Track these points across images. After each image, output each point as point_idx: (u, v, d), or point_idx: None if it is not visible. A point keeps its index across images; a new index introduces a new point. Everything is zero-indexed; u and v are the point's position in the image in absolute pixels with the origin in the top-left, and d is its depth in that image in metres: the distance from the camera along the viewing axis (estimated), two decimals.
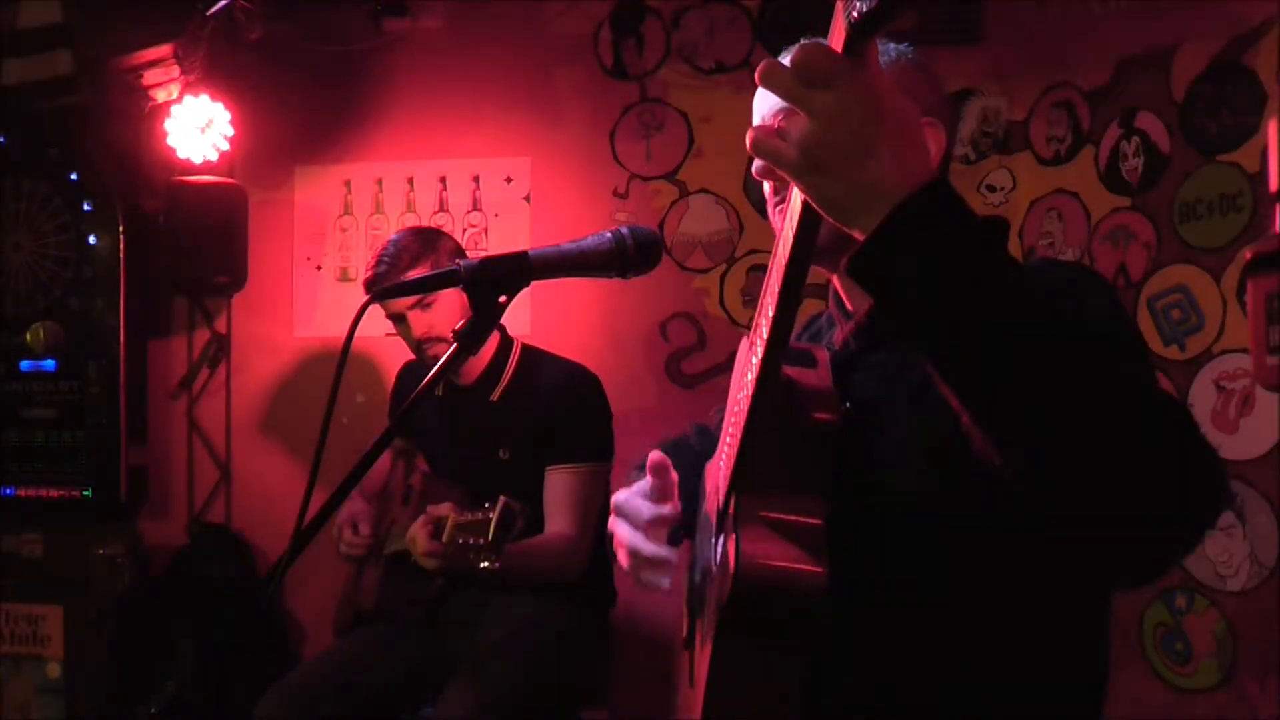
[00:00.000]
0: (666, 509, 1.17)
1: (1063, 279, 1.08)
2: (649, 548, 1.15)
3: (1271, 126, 2.15)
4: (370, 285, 2.29)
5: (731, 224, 3.15)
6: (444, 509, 2.01)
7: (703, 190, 3.17)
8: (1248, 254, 1.83)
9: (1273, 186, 2.04)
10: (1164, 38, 2.51)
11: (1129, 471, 0.77)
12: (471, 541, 1.93)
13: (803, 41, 0.81)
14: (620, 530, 1.19)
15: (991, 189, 2.97)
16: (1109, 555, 0.83)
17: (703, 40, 3.17)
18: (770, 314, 0.95)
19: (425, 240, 2.32)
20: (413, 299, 2.24)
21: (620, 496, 1.22)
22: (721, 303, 3.16)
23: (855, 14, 0.73)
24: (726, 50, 3.15)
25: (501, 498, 1.94)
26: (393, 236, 2.34)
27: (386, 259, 2.27)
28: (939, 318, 0.79)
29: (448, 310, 2.26)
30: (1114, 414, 0.78)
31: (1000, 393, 0.80)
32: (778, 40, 3.16)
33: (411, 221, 3.29)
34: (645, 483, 1.20)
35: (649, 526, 1.16)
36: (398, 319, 2.30)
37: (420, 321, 2.26)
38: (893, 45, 1.21)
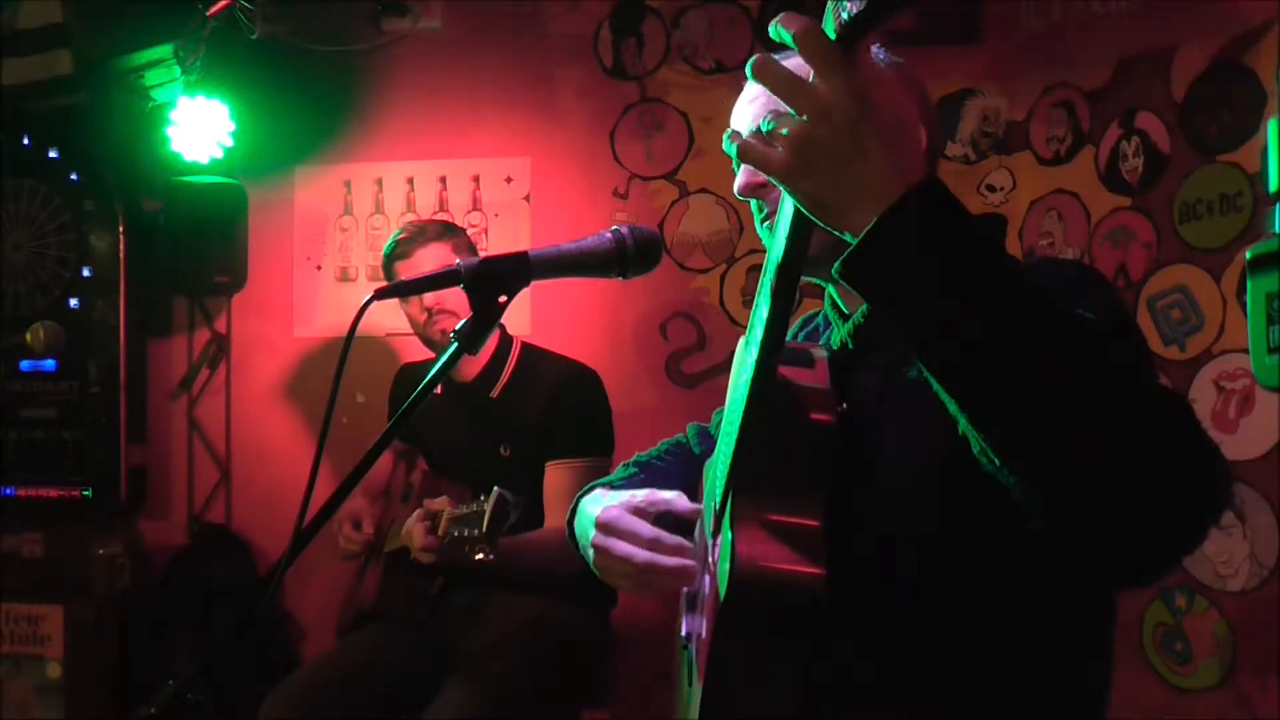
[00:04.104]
0: (668, 538, 1.17)
1: (1061, 277, 1.08)
2: (669, 561, 1.15)
3: (1271, 126, 2.15)
4: (393, 254, 2.35)
5: (731, 224, 3.15)
6: (439, 503, 2.01)
7: (703, 190, 3.17)
8: (1248, 254, 1.83)
9: (1273, 186, 2.04)
10: (1164, 38, 2.51)
11: (1132, 468, 0.77)
12: (466, 533, 1.92)
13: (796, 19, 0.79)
14: (620, 548, 1.18)
15: (991, 189, 2.96)
16: (1112, 554, 0.82)
17: (703, 40, 3.17)
18: (764, 315, 0.94)
19: (447, 225, 2.46)
20: (432, 301, 2.30)
21: (610, 515, 1.21)
22: (721, 303, 3.16)
23: (845, 16, 0.73)
24: (726, 50, 3.15)
25: (496, 489, 1.93)
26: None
27: (410, 229, 2.38)
28: (935, 320, 0.79)
29: None
30: (1116, 411, 0.78)
31: (1000, 394, 0.79)
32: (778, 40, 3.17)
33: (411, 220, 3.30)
34: (630, 499, 1.21)
35: (650, 544, 1.16)
36: (428, 308, 2.34)
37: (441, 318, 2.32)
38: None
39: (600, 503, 1.26)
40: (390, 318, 2.68)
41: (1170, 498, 0.77)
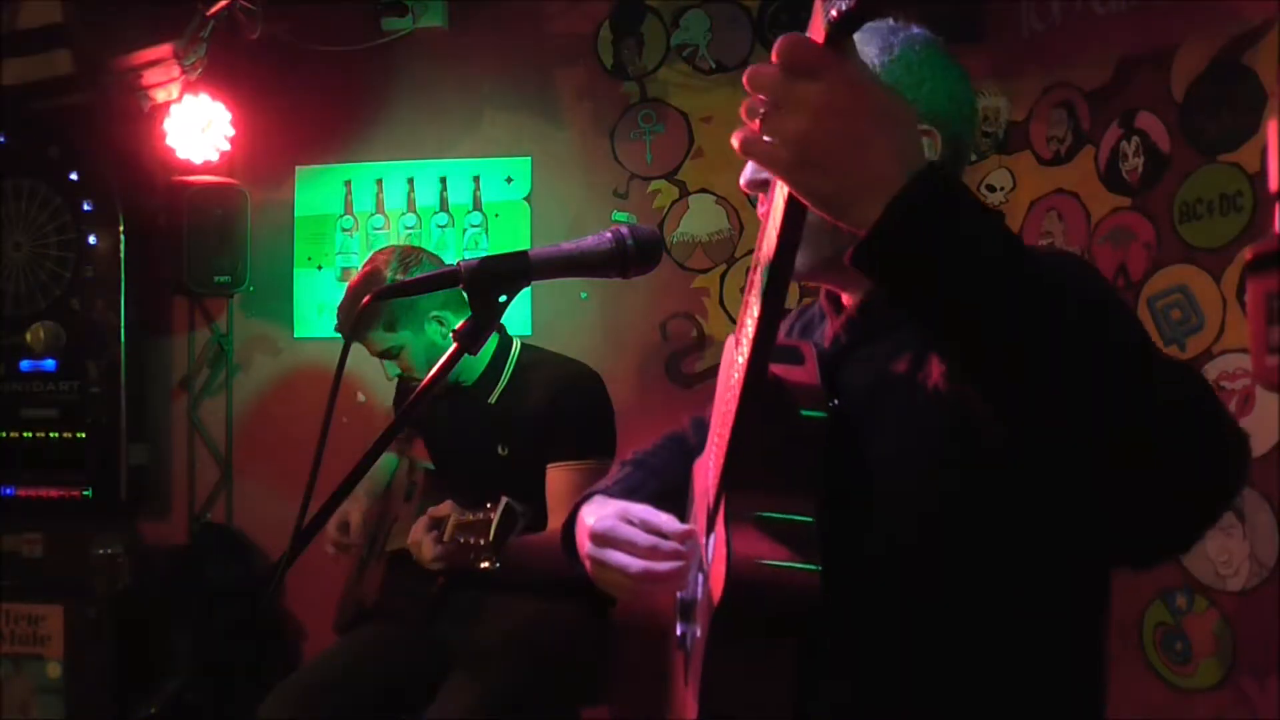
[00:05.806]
0: (664, 544, 1.16)
1: (1057, 267, 1.07)
2: (663, 566, 1.14)
3: (1271, 126, 2.15)
4: (346, 304, 2.31)
5: (731, 224, 3.16)
6: (444, 509, 2.01)
7: (703, 190, 3.17)
8: (1248, 254, 1.83)
9: (1273, 186, 2.04)
10: (1164, 38, 2.51)
11: (1155, 437, 0.77)
12: (472, 541, 1.93)
13: (784, 35, 0.80)
14: (616, 558, 1.17)
15: (991, 189, 2.96)
16: (1131, 528, 0.82)
17: (703, 40, 3.18)
18: (755, 313, 0.94)
19: (402, 257, 2.32)
20: (379, 350, 2.31)
21: (605, 526, 1.20)
22: (721, 303, 3.16)
23: (834, 13, 0.74)
24: (726, 50, 3.15)
25: (503, 497, 1.94)
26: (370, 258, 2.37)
27: (343, 312, 2.32)
28: (956, 301, 0.79)
29: (414, 356, 2.32)
30: (1136, 381, 0.78)
31: (1023, 370, 0.79)
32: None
33: (411, 222, 3.30)
34: (626, 509, 1.21)
35: (648, 552, 1.15)
36: (378, 355, 2.36)
37: (395, 365, 2.36)
38: (902, 34, 1.17)
39: (596, 512, 1.26)
40: None
41: (1198, 468, 0.78)
